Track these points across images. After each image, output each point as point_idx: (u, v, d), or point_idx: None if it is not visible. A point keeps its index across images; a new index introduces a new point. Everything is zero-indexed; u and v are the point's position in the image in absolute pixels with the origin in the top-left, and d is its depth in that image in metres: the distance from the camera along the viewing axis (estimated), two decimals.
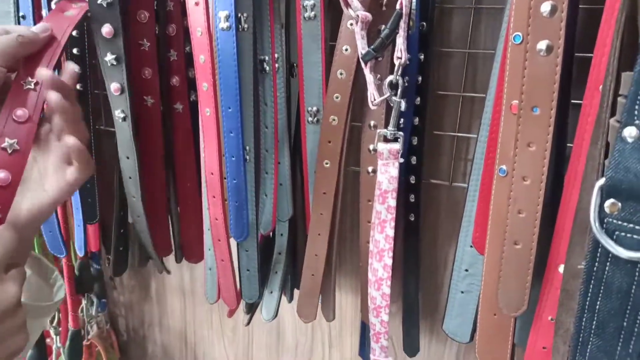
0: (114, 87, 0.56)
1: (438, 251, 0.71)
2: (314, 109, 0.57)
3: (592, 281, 0.34)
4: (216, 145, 0.57)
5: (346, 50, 0.51)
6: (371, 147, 0.55)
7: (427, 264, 0.71)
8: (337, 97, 0.53)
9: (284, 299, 0.72)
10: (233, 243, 0.69)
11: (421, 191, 0.61)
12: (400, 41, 0.45)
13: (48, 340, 0.95)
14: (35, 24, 0.63)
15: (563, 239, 0.40)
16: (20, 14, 0.63)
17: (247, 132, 0.56)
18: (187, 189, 0.67)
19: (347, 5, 0.46)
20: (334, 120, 0.55)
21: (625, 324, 0.32)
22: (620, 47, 0.32)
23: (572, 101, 0.44)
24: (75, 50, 0.66)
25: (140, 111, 0.61)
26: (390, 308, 0.56)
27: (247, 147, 0.57)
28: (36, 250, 0.83)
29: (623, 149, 0.29)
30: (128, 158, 0.61)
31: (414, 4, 0.45)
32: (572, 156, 0.38)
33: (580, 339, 0.36)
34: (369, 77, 0.47)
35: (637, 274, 0.31)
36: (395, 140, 0.50)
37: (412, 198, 0.62)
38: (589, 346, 0.35)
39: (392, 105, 0.49)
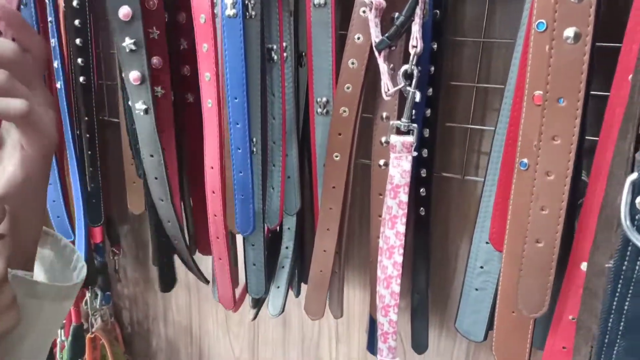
0: (133, 76, 0.53)
1: (449, 245, 0.69)
2: (324, 99, 0.55)
3: (621, 280, 0.32)
4: (217, 138, 0.55)
5: (358, 38, 0.49)
6: (383, 139, 0.53)
7: (438, 258, 0.70)
8: (348, 88, 0.52)
9: (290, 293, 0.70)
10: (234, 242, 0.68)
11: (432, 185, 0.60)
12: (416, 29, 0.43)
13: None
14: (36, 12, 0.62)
15: (586, 235, 0.38)
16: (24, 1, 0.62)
17: (254, 124, 0.54)
18: (200, 182, 0.66)
19: None
20: (344, 111, 0.53)
21: None
22: None
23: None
24: (78, 41, 0.64)
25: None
26: (400, 304, 0.55)
27: (254, 139, 0.55)
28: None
29: None
30: (152, 156, 0.56)
31: None
32: (598, 150, 0.37)
33: (606, 341, 0.34)
34: (383, 67, 0.46)
35: None
36: (409, 132, 0.49)
37: (422, 192, 0.60)
38: (615, 348, 0.34)
39: (406, 96, 0.47)
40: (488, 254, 0.49)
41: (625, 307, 0.32)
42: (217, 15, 0.52)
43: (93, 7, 0.65)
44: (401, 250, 0.53)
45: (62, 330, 0.94)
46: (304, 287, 0.70)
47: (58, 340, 0.95)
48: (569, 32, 0.33)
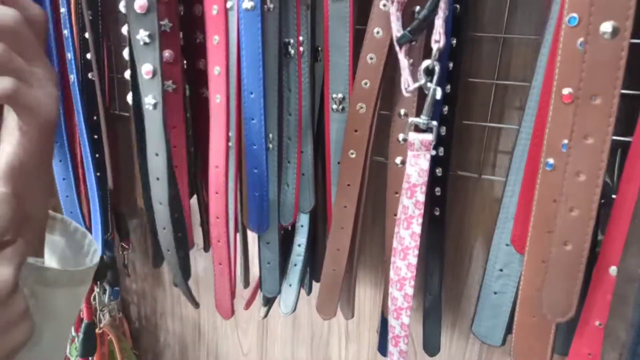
0: (145, 69, 0.51)
1: (463, 245, 0.68)
2: (340, 96, 0.54)
3: None
4: (224, 136, 0.54)
5: (377, 33, 0.48)
6: (401, 137, 0.52)
7: (451, 258, 0.69)
8: (365, 84, 0.50)
9: (301, 291, 0.69)
10: (245, 241, 0.67)
11: (448, 184, 0.59)
12: (440, 23, 0.42)
13: None
14: None
15: (617, 239, 0.37)
16: None
17: (271, 120, 0.53)
18: None
19: None
20: (361, 108, 0.52)
21: None
22: None
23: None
24: (86, 35, 0.63)
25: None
26: (412, 305, 0.53)
27: (271, 135, 0.54)
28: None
29: None
30: (157, 155, 0.54)
31: None
32: (631, 150, 0.35)
33: (638, 350, 0.33)
34: (404, 62, 0.44)
35: None
36: (428, 130, 0.47)
37: (437, 191, 0.59)
38: None
39: (426, 92, 0.45)
40: (509, 256, 0.47)
41: None
42: (232, 8, 0.50)
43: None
44: (416, 252, 0.52)
45: (73, 325, 0.94)
46: (315, 285, 0.69)
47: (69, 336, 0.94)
48: (606, 26, 0.32)
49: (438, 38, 0.42)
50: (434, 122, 0.46)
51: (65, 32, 0.62)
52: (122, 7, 0.50)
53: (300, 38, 0.53)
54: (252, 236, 0.64)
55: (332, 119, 0.56)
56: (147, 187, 0.57)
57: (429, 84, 0.45)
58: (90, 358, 0.95)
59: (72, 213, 0.71)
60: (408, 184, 0.50)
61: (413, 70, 0.46)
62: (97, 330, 0.95)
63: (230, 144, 0.56)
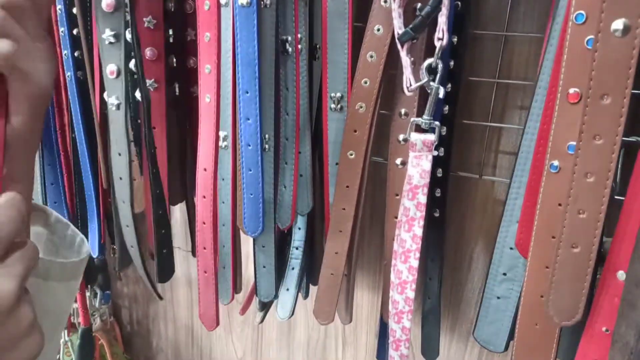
0: (109, 69, 0.52)
1: (463, 247, 0.67)
2: (338, 95, 0.53)
3: None
4: (213, 137, 0.52)
5: (378, 30, 0.46)
6: (401, 137, 0.51)
7: (451, 260, 0.67)
8: (365, 82, 0.49)
9: (299, 296, 0.68)
10: (238, 244, 0.65)
11: (448, 186, 0.57)
12: (443, 20, 0.40)
13: None
14: None
15: (625, 242, 0.36)
16: None
17: (267, 119, 0.52)
18: None
19: None
20: (361, 107, 0.50)
21: None
22: None
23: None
24: (75, 31, 0.61)
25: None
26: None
27: (267, 136, 0.53)
28: None
29: None
30: (120, 155, 0.55)
31: None
32: None
33: None
34: (406, 60, 0.43)
35: None
36: (430, 130, 0.46)
37: (437, 193, 0.58)
38: None
39: (428, 91, 0.44)
40: (513, 260, 0.46)
41: None
42: (227, 4, 0.49)
43: None
44: (417, 255, 0.51)
45: (65, 330, 0.92)
46: (312, 288, 0.67)
47: (61, 341, 0.92)
48: (618, 24, 0.30)
49: (441, 35, 0.41)
50: (437, 122, 0.45)
51: (62, 29, 0.60)
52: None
53: (299, 35, 0.52)
54: (247, 239, 0.62)
55: (331, 119, 0.54)
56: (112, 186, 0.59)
57: (431, 83, 0.43)
58: None
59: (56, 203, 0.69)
60: (410, 185, 0.48)
61: (415, 69, 0.44)
62: None
63: (226, 143, 0.54)
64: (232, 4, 0.47)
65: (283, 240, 0.64)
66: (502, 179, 0.61)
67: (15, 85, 0.30)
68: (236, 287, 0.68)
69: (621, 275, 0.37)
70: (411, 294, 0.52)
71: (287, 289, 0.64)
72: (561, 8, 0.38)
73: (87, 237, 0.71)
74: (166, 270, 0.67)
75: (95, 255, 0.72)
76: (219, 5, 0.49)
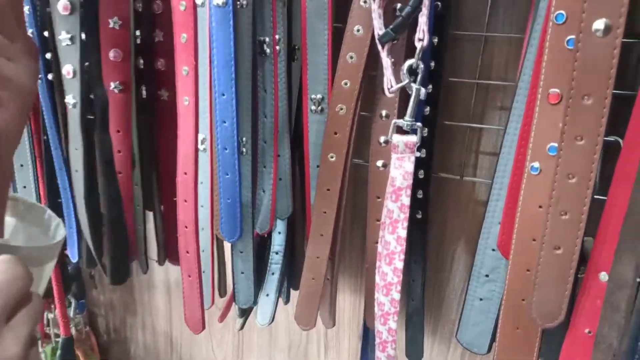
0: (66, 69, 0.52)
1: (445, 248, 0.67)
2: (319, 96, 0.52)
3: None
4: (192, 140, 0.51)
5: (358, 31, 0.46)
6: (382, 139, 0.50)
7: (433, 260, 0.67)
8: (345, 84, 0.48)
9: (279, 301, 0.67)
10: (221, 248, 0.64)
11: (431, 187, 0.57)
12: (423, 20, 0.40)
13: None
14: None
15: (607, 243, 0.36)
16: None
17: (244, 122, 0.50)
18: (172, 186, 0.61)
19: None
20: (341, 109, 0.49)
21: None
22: None
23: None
24: (46, 33, 0.58)
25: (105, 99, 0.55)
26: None
27: (244, 139, 0.51)
28: None
29: None
30: (77, 149, 0.56)
31: None
32: (623, 152, 0.34)
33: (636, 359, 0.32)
34: (386, 61, 0.42)
35: None
36: (412, 131, 0.46)
37: (419, 194, 0.57)
38: None
39: (409, 92, 0.43)
40: (495, 261, 0.46)
41: None
42: (203, 4, 0.47)
43: None
44: (402, 256, 0.50)
45: (40, 341, 0.88)
46: (293, 294, 0.66)
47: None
48: (599, 24, 0.30)
49: (422, 36, 0.40)
50: (419, 124, 0.44)
51: (31, 30, 0.58)
52: None
53: (277, 36, 0.51)
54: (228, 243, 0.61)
55: (311, 121, 0.53)
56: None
57: (412, 84, 0.43)
58: None
59: None
60: (393, 187, 0.48)
61: (395, 70, 0.44)
62: None
63: (204, 146, 0.53)
64: (208, 4, 0.46)
65: (263, 245, 0.62)
66: (483, 180, 0.61)
67: (0, 87, 0.30)
68: (220, 291, 0.67)
69: (604, 276, 0.37)
70: (397, 296, 0.51)
71: (267, 295, 0.63)
72: (542, 9, 0.38)
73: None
74: (119, 273, 0.66)
75: (74, 259, 0.69)
76: (195, 6, 0.47)
